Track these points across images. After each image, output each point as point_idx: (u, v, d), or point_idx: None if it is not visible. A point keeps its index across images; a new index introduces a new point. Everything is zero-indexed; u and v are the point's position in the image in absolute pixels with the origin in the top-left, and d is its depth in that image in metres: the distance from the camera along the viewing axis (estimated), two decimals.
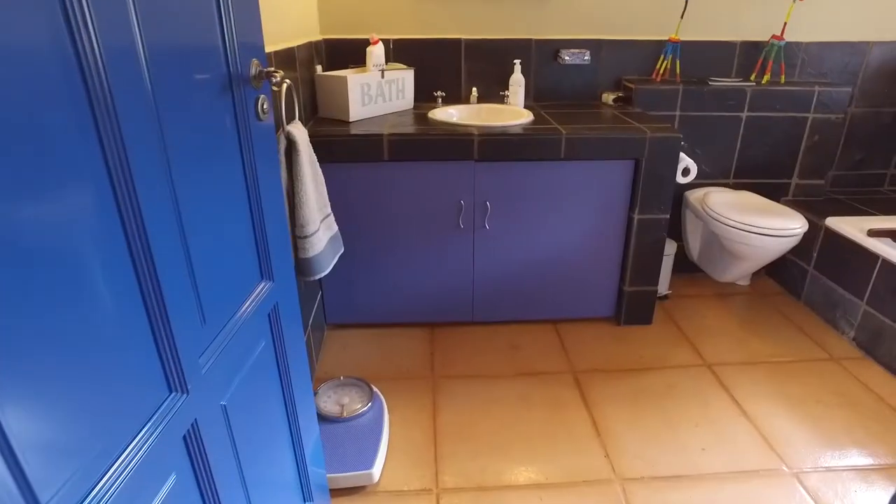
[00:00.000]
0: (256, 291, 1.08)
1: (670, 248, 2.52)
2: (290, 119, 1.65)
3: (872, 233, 2.32)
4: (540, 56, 2.54)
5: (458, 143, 2.02)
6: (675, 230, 2.79)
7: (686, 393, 2.05)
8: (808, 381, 2.14)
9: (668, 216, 2.22)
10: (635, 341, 2.34)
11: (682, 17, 2.51)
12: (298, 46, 1.99)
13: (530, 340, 2.34)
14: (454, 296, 2.32)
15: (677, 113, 2.53)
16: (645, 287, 2.35)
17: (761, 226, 2.25)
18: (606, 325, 2.45)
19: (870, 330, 2.29)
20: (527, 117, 2.22)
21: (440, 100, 2.46)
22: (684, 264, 2.83)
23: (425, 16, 2.44)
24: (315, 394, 1.88)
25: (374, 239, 2.19)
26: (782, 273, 2.77)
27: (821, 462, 1.78)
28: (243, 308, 1.02)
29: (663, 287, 2.60)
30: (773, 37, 2.54)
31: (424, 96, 2.51)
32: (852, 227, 2.39)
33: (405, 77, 2.36)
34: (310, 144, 1.68)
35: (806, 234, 2.53)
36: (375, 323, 2.40)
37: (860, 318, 2.33)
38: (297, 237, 1.66)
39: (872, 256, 2.25)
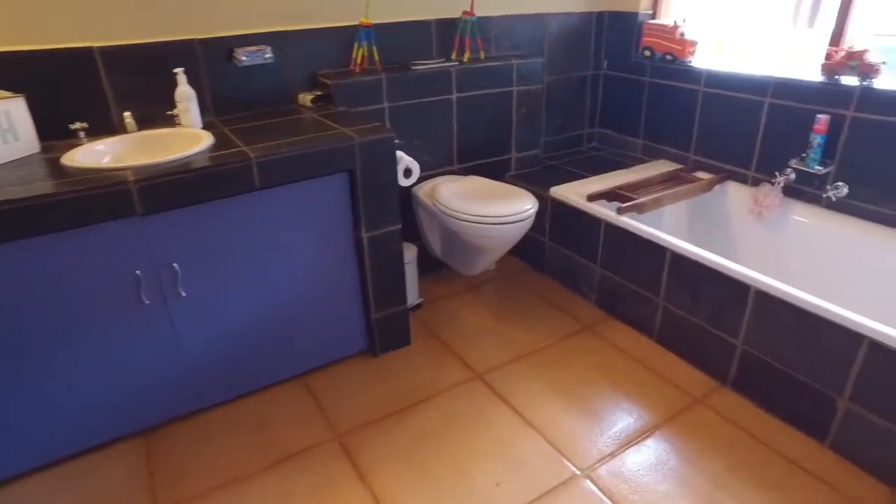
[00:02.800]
0: None
1: (410, 253, 2.28)
2: None
3: (591, 197, 2.37)
4: (210, 59, 2.03)
5: (110, 198, 1.45)
6: (411, 230, 2.56)
7: (466, 419, 1.84)
8: (571, 360, 2.10)
9: (400, 226, 1.96)
10: (399, 371, 2.07)
11: None
12: None
13: (280, 411, 1.90)
14: (165, 386, 1.76)
15: (385, 105, 2.27)
16: (394, 308, 2.08)
17: (496, 214, 2.12)
18: (363, 361, 2.13)
19: (607, 291, 2.36)
20: (205, 142, 1.72)
21: (82, 133, 1.81)
22: (429, 262, 2.64)
23: (27, 17, 1.74)
24: None
25: (18, 353, 1.51)
26: (523, 249, 2.76)
27: (604, 449, 1.72)
28: None
29: (413, 296, 2.37)
30: (465, 13, 2.42)
31: (57, 132, 1.80)
32: (573, 194, 2.43)
33: (12, 109, 1.65)
34: None
35: None
36: (62, 458, 1.71)
37: (598, 281, 2.39)
38: None
39: (596, 221, 2.30)
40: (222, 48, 2.04)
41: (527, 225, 2.18)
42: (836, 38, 2.17)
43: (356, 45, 2.25)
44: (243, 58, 2.04)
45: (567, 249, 2.51)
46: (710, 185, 2.48)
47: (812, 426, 1.73)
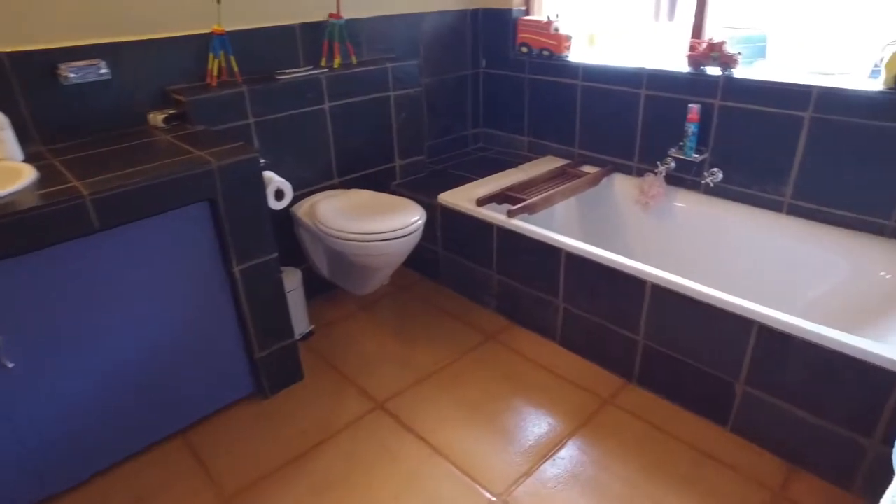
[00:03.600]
0: None
1: (293, 279, 2.08)
2: None
3: (481, 201, 2.29)
4: (26, 77, 1.71)
5: None
6: (295, 252, 2.36)
7: (371, 457, 1.69)
8: (476, 376, 2.01)
9: (276, 254, 1.77)
10: (292, 412, 1.87)
11: (219, 1, 2.00)
12: None
13: (155, 479, 1.64)
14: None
15: (251, 121, 2.05)
16: (280, 343, 1.88)
17: (382, 230, 1.97)
18: (251, 405, 1.91)
19: (506, 297, 2.29)
20: (25, 178, 1.44)
21: None
22: (317, 284, 2.45)
23: None
24: None
25: None
26: (417, 260, 2.64)
27: (519, 468, 1.64)
28: None
29: (302, 325, 2.18)
30: (331, 15, 2.25)
31: None
32: (462, 199, 2.33)
33: None
34: None
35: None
36: None
37: (497, 288, 2.32)
38: None
39: (487, 225, 2.23)
40: (42, 63, 1.73)
41: (415, 238, 2.06)
42: (698, 30, 2.23)
43: (211, 55, 2.01)
44: (71, 74, 1.75)
45: (461, 257, 2.42)
46: (597, 179, 2.49)
47: (714, 412, 1.75)
